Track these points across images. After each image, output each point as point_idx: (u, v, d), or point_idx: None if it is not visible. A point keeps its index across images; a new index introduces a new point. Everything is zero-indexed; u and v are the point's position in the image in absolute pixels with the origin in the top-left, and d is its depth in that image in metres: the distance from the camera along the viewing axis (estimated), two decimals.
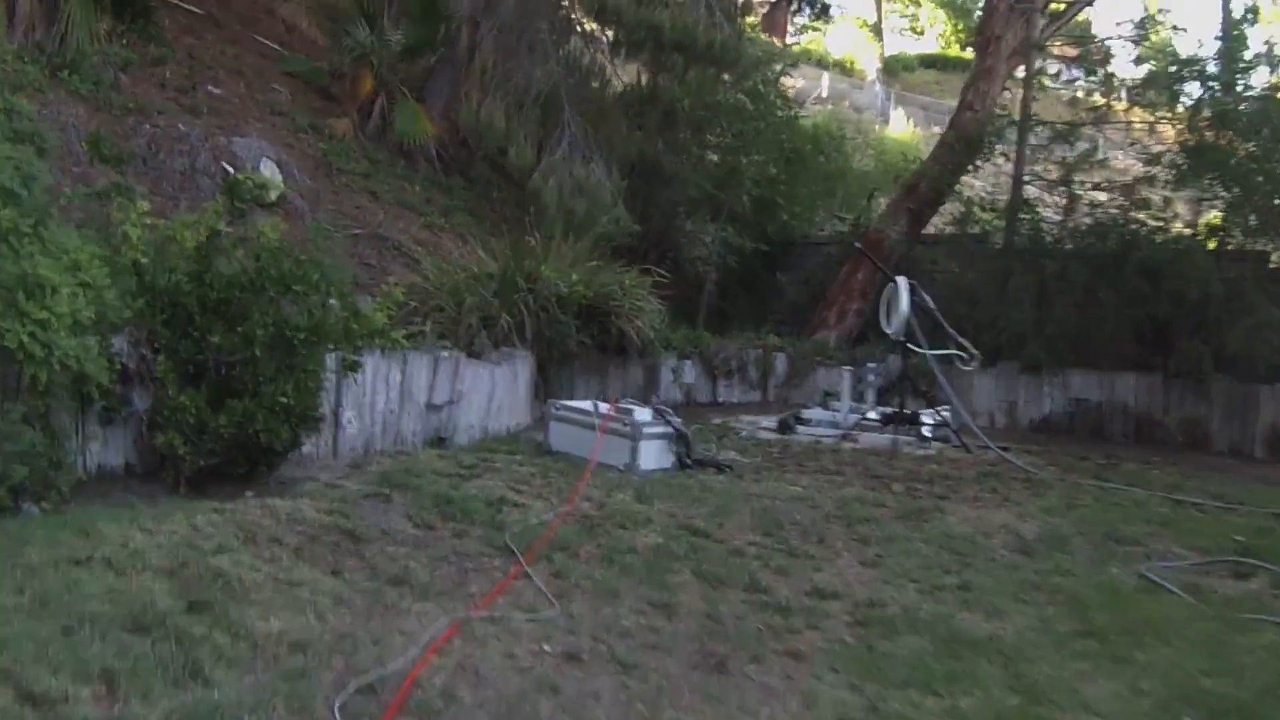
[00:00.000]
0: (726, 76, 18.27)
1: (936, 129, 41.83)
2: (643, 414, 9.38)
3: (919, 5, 59.68)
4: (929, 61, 53.05)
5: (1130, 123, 16.69)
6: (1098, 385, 14.82)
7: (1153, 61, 18.81)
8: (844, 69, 48.52)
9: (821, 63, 45.20)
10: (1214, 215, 15.52)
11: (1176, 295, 13.95)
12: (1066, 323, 14.97)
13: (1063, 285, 15.07)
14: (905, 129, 38.60)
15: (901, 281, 11.70)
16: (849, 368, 13.02)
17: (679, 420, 9.62)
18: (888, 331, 11.95)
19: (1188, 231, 15.28)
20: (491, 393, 10.36)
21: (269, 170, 12.40)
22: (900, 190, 18.32)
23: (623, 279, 12.70)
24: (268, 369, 7.16)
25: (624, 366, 13.66)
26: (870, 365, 13.54)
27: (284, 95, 15.73)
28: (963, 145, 16.90)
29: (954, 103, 46.20)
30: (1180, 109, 15.61)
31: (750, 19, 22.01)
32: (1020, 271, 15.64)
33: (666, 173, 17.68)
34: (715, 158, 19.00)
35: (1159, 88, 15.62)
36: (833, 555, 6.91)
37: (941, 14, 58.73)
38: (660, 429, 9.34)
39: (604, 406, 9.61)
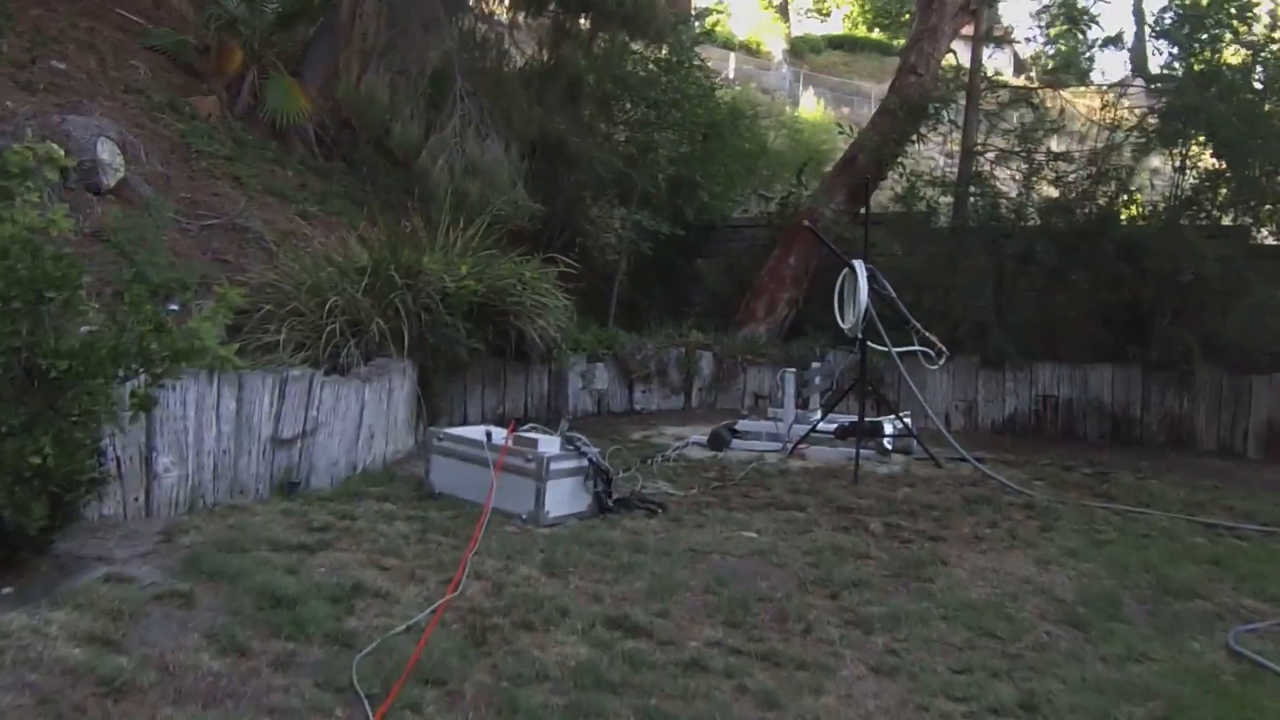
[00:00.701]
0: (637, 47, 16.28)
1: (846, 110, 40.73)
2: (549, 445, 7.28)
3: None
4: (836, 43, 52.22)
5: (1096, 87, 14.87)
6: (1068, 380, 13.09)
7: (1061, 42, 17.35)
8: (750, 51, 47.06)
9: (727, 44, 43.51)
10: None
11: (1160, 276, 12.28)
12: (1032, 310, 13.25)
13: (1026, 267, 13.34)
14: (816, 109, 37.25)
15: (859, 266, 9.76)
16: (790, 369, 11.04)
17: (595, 451, 7.49)
18: (843, 326, 10.00)
19: (1156, 204, 13.52)
20: (360, 418, 8.20)
21: (107, 152, 10.13)
22: (836, 164, 16.31)
23: (522, 271, 10.60)
24: (12, 417, 4.96)
25: (526, 374, 11.59)
26: (815, 365, 11.58)
27: (142, 71, 13.42)
28: (906, 112, 14.98)
29: (864, 84, 45.83)
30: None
31: None
32: (976, 253, 13.84)
33: (571, 152, 15.63)
34: (624, 135, 16.95)
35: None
36: (830, 656, 4.87)
37: None
38: (572, 464, 7.25)
39: (500, 434, 7.52)
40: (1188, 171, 13.00)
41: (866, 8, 57.61)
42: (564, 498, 7.07)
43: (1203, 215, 12.99)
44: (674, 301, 16.67)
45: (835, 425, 10.43)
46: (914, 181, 14.90)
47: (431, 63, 14.40)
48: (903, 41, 53.21)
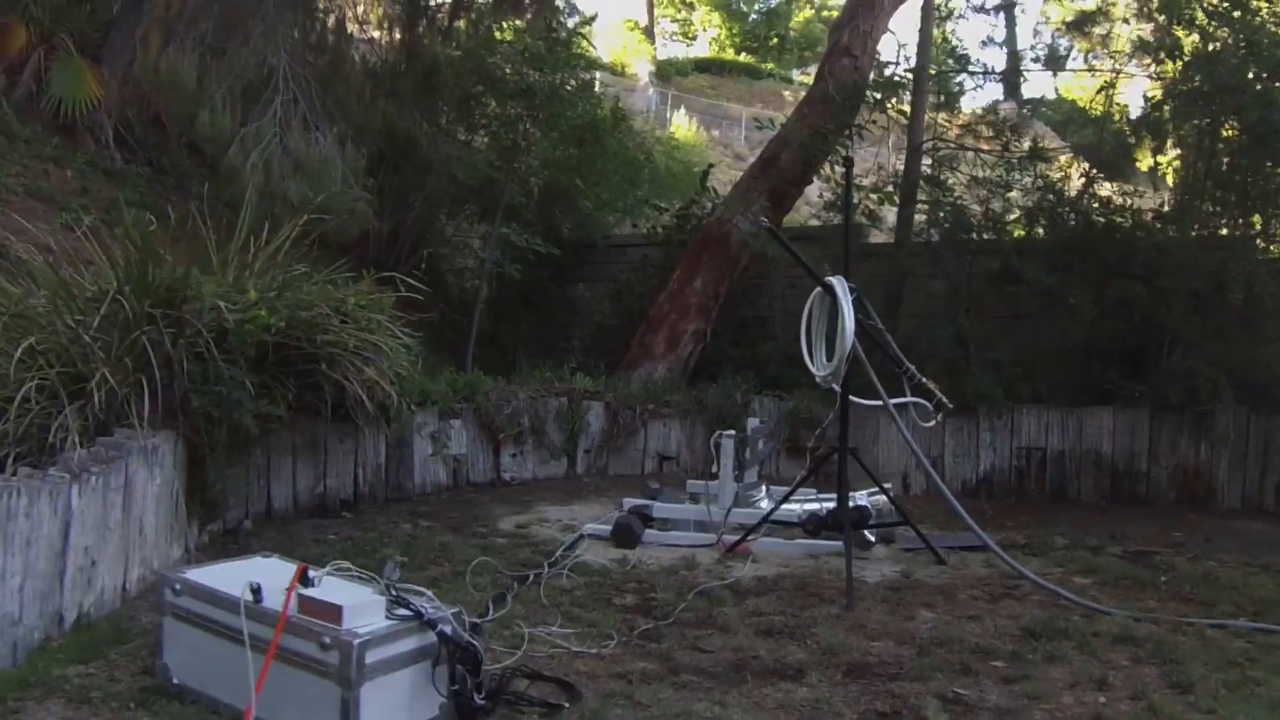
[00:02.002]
0: (506, 34, 13.28)
1: (716, 132, 38.56)
2: (362, 605, 3.90)
3: (691, 9, 56.77)
4: (703, 66, 50.63)
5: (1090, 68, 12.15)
6: (1059, 427, 10.29)
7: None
8: (615, 72, 44.53)
9: (592, 65, 40.91)
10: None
11: (1175, 296, 9.59)
12: (1012, 342, 10.46)
13: (1004, 290, 10.57)
14: (689, 130, 34.84)
15: (839, 286, 6.74)
16: (728, 433, 7.94)
17: (449, 613, 4.08)
18: (816, 371, 6.98)
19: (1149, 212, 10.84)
20: (64, 540, 4.94)
21: None
22: (753, 165, 13.31)
23: (342, 298, 7.42)
24: None
25: (356, 439, 8.40)
26: (755, 423, 8.53)
27: None
28: (841, 100, 12.07)
29: (732, 107, 43.60)
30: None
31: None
32: (936, 272, 11.03)
33: (425, 154, 12.53)
34: (488, 139, 13.82)
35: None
36: None
37: (715, 17, 56.03)
38: (408, 643, 3.90)
39: (277, 581, 4.20)
40: (1208, 169, 10.28)
41: (733, 31, 55.81)
42: (394, 707, 3.81)
43: (1226, 221, 10.32)
44: (548, 337, 13.66)
45: (803, 514, 7.45)
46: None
47: (253, 39, 11.40)
48: (773, 66, 51.71)
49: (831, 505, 7.67)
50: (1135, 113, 10.94)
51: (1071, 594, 6.29)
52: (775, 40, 55.84)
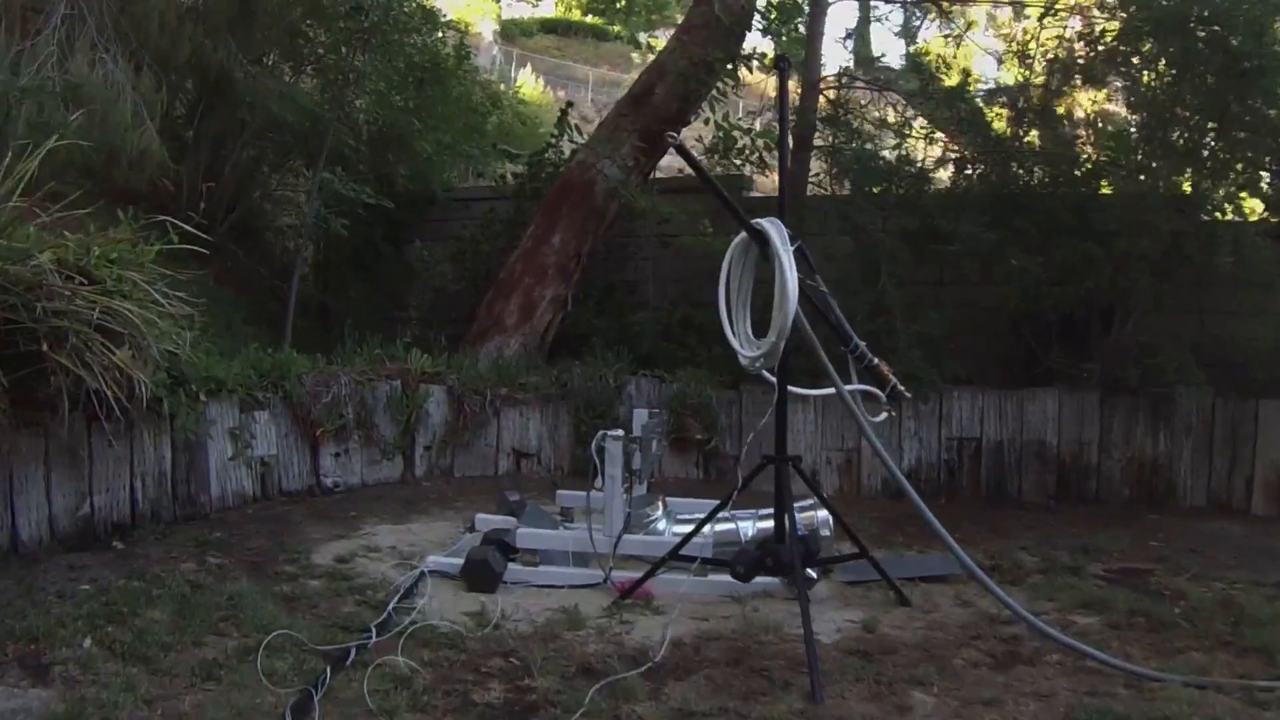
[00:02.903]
0: None
1: (563, 92, 36.66)
2: None
3: None
4: (549, 26, 48.77)
5: None
6: (996, 413, 8.69)
7: None
8: (458, 30, 42.19)
9: (430, 16, 38.67)
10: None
11: (1131, 260, 8.09)
12: (935, 316, 8.79)
13: (922, 254, 8.91)
14: (535, 89, 32.97)
15: (775, 233, 4.83)
16: (614, 433, 5.94)
17: None
18: (742, 352, 5.08)
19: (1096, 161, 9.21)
20: None
21: None
22: (622, 100, 11.27)
23: (81, 248, 5.31)
24: None
25: (130, 442, 6.28)
26: (645, 416, 6.57)
27: None
28: (729, 24, 10.15)
29: (579, 68, 41.67)
30: None
31: None
32: (839, 231, 9.30)
33: (240, 91, 10.32)
34: (315, 78, 11.65)
35: None
36: None
37: None
38: None
39: None
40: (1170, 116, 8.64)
41: None
42: None
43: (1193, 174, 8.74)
44: (382, 305, 11.62)
45: (716, 540, 5.64)
46: (730, 129, 10.24)
47: None
48: (620, 29, 49.88)
49: (757, 528, 5.91)
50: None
51: (1101, 652, 4.57)
52: (623, 3, 53.91)
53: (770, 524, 5.93)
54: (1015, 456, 8.68)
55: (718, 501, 6.72)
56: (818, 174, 10.34)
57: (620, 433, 5.76)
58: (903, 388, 5.64)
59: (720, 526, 5.93)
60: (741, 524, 6.04)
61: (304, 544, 6.22)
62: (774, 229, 4.83)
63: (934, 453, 8.76)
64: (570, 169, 10.44)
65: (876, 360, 5.42)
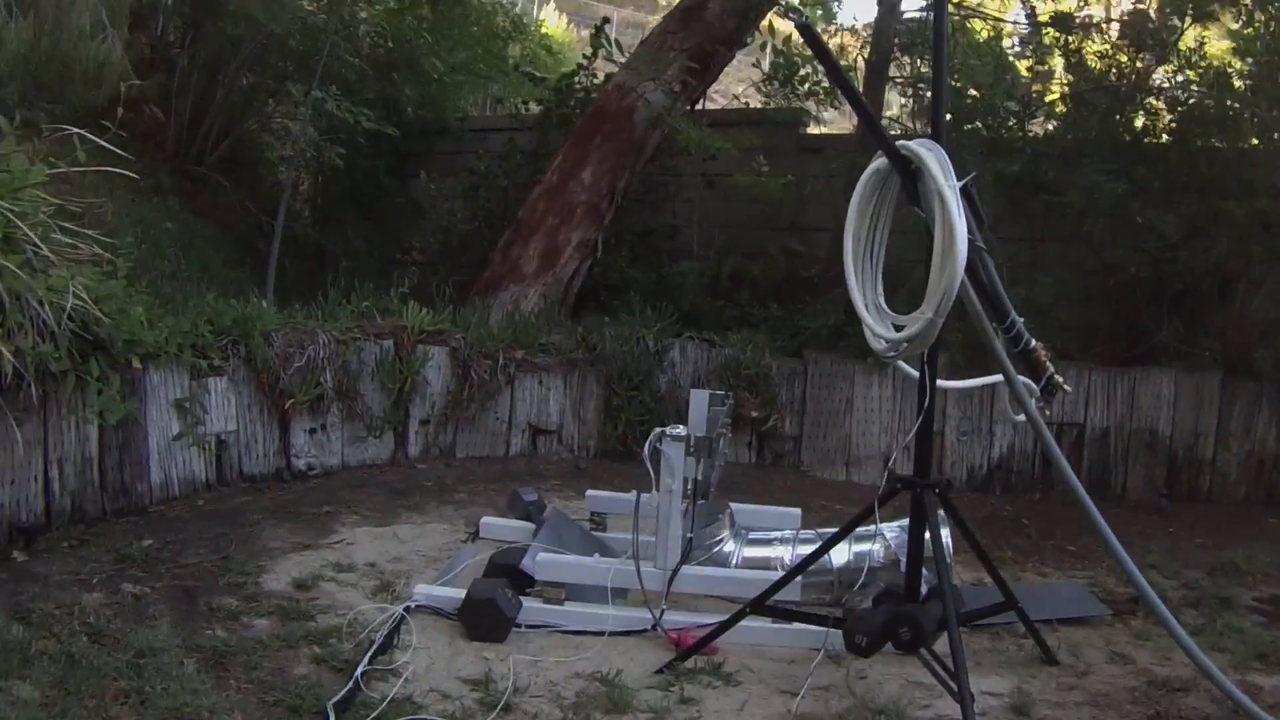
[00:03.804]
0: None
1: (586, 33, 34.90)
2: None
3: None
4: None
5: None
6: (1103, 396, 7.26)
7: None
8: None
9: None
10: None
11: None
12: (1051, 280, 7.33)
13: (1017, 207, 7.56)
14: (558, 27, 31.28)
15: (933, 162, 3.28)
16: (673, 431, 4.41)
17: None
18: (884, 336, 3.54)
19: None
20: None
21: None
22: (669, 14, 9.34)
23: None
24: None
25: (38, 423, 4.82)
26: (706, 401, 5.04)
27: None
28: None
29: (604, 8, 39.85)
30: None
31: None
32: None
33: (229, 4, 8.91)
34: None
35: None
36: None
37: None
38: None
39: None
40: None
41: None
42: None
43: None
44: (384, 247, 10.16)
45: (822, 582, 4.24)
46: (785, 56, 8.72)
47: None
48: None
49: (853, 552, 4.49)
50: None
51: None
52: None
53: (868, 547, 4.52)
54: (1123, 446, 7.25)
55: (791, 510, 5.37)
56: (899, 112, 8.82)
57: (682, 430, 4.26)
58: (1060, 378, 4.14)
59: (805, 548, 4.51)
60: (860, 545, 4.63)
61: (256, 558, 4.77)
62: (932, 156, 3.31)
63: (1030, 439, 7.32)
64: (606, 93, 8.86)
65: (1035, 343, 3.92)
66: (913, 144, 3.39)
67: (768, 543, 4.74)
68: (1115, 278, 7.39)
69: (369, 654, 3.76)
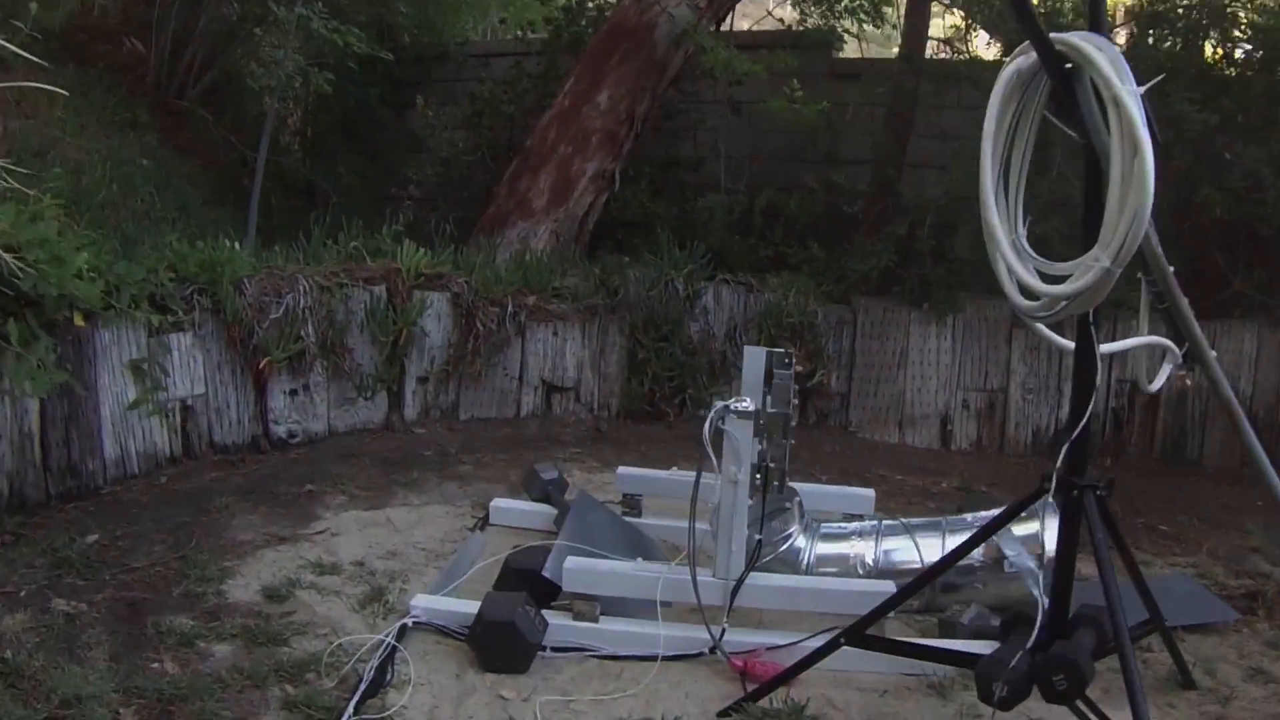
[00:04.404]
0: None
1: None
2: None
3: None
4: None
5: None
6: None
7: None
8: None
9: None
10: None
11: None
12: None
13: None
14: None
15: (1104, 61, 2.40)
16: (743, 404, 3.45)
17: None
18: (1027, 284, 2.67)
19: None
20: None
21: None
22: None
23: None
24: None
25: None
26: (773, 357, 4.16)
27: None
28: None
29: None
30: None
31: None
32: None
33: None
34: None
35: None
36: None
37: None
38: None
39: None
40: None
41: None
42: None
43: None
44: (379, 182, 9.27)
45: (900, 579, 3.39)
46: None
47: None
48: None
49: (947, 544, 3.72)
50: None
51: None
52: None
53: (961, 539, 3.70)
54: (1201, 408, 6.45)
55: (863, 491, 4.56)
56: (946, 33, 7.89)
57: (749, 404, 3.40)
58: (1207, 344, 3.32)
59: (891, 543, 3.73)
60: (924, 540, 3.82)
61: (221, 556, 3.93)
62: (1101, 53, 2.43)
63: (1099, 399, 6.47)
64: (624, 7, 7.91)
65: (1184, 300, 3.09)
66: (1072, 37, 2.51)
67: (844, 537, 3.92)
68: (1191, 220, 6.53)
69: (356, 697, 2.95)
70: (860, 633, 3.08)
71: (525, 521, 4.42)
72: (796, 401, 3.69)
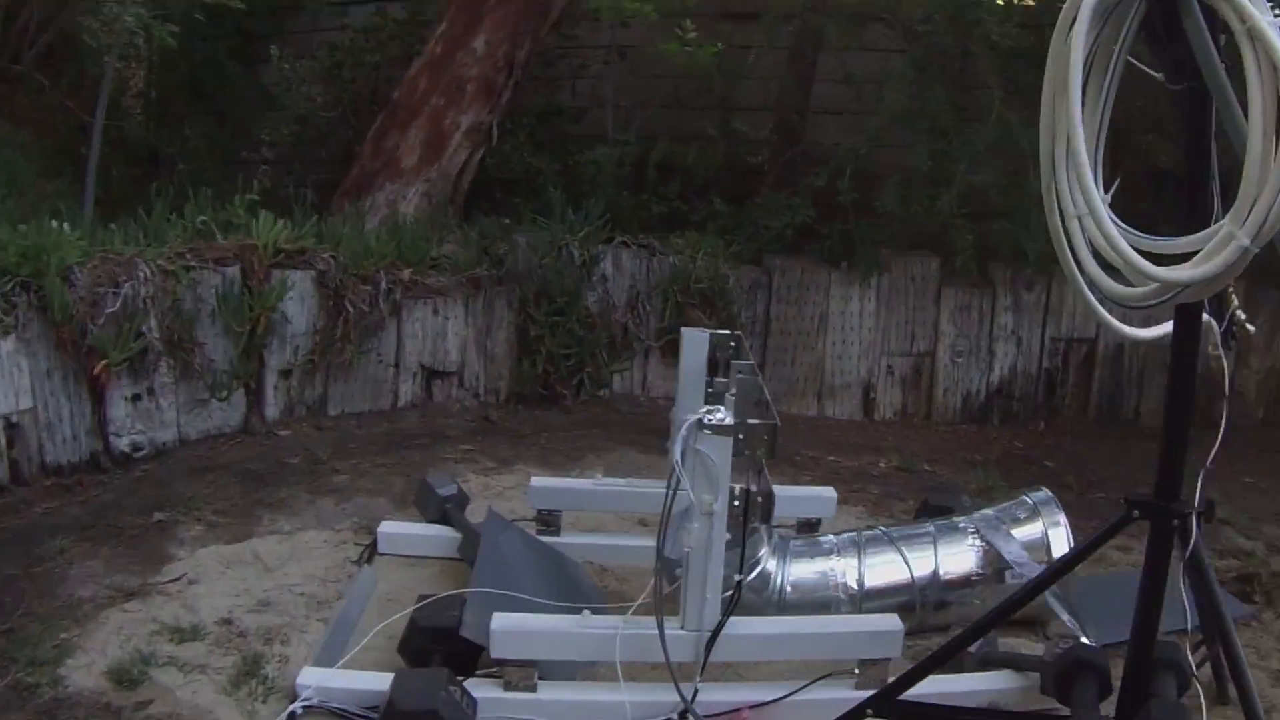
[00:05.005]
0: None
1: None
2: None
3: None
4: None
5: None
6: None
7: None
8: None
9: None
10: None
11: None
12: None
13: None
14: None
15: None
16: (714, 413, 2.68)
17: None
18: (1131, 262, 2.07)
19: None
20: None
21: None
22: None
23: None
24: None
25: None
26: (716, 339, 3.49)
27: None
28: None
29: None
30: None
31: None
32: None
33: None
34: None
35: None
36: None
37: None
38: None
39: None
40: None
41: None
42: None
43: None
44: (230, 145, 8.35)
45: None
46: None
47: None
48: None
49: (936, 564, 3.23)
50: None
51: None
52: None
53: (963, 549, 3.20)
54: (1138, 366, 6.17)
55: (822, 491, 4.02)
56: None
57: (727, 418, 2.75)
58: (1244, 315, 2.81)
59: (876, 559, 3.22)
60: (914, 554, 3.31)
61: (57, 624, 3.16)
62: None
63: (1033, 360, 6.08)
64: None
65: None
66: None
67: (821, 552, 3.34)
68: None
69: None
70: (892, 699, 2.51)
71: (421, 549, 3.74)
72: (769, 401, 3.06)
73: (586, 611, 2.87)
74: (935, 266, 5.96)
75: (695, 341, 3.37)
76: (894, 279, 5.95)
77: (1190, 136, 2.11)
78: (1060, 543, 3.42)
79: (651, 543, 3.77)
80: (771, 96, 7.32)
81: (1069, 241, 2.23)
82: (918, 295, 5.98)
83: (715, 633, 2.75)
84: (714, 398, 3.11)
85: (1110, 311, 2.43)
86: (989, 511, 3.56)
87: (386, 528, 3.80)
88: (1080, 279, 2.24)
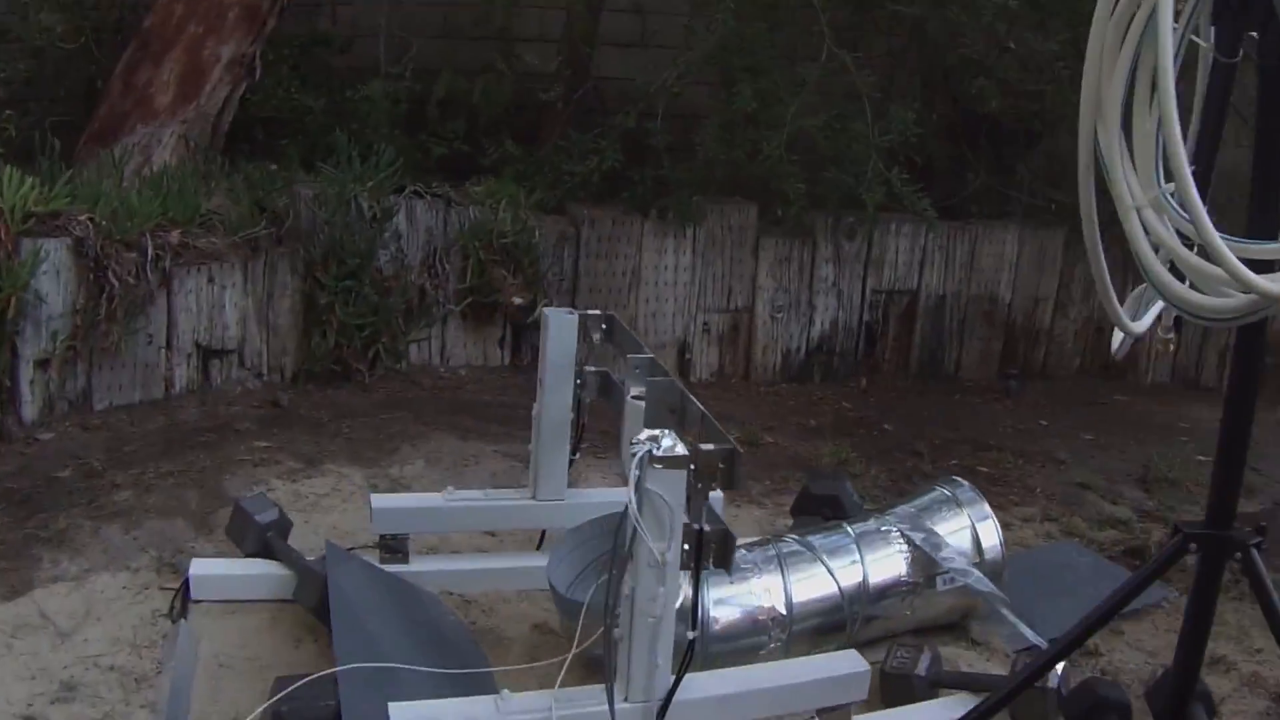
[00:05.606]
0: None
1: None
2: None
3: None
4: None
5: None
6: (941, 257, 6.18)
7: None
8: None
9: None
10: None
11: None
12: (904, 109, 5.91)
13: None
14: None
15: None
16: (667, 445, 2.24)
17: None
18: (1192, 266, 1.68)
19: None
20: None
21: None
22: None
23: None
24: None
25: None
26: (599, 321, 3.07)
27: None
28: None
29: None
30: None
31: None
32: None
33: None
34: None
35: None
36: None
37: None
38: None
39: None
40: None
41: None
42: None
43: None
44: None
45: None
46: None
47: None
48: None
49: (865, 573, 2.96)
50: None
51: None
52: None
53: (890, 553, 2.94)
54: (959, 318, 6.08)
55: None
56: None
57: (679, 446, 2.29)
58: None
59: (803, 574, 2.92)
60: (837, 563, 3.04)
61: None
62: None
63: (854, 313, 5.87)
64: None
65: None
66: None
67: (739, 571, 2.97)
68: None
69: None
70: None
71: (244, 591, 3.19)
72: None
73: (506, 691, 2.40)
74: (753, 214, 5.65)
75: (561, 324, 2.95)
76: (710, 229, 5.61)
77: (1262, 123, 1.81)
78: (990, 537, 3.20)
79: (513, 562, 3.37)
80: (555, 28, 6.83)
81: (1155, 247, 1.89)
82: (735, 247, 5.67)
83: (666, 702, 2.34)
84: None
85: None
86: (908, 508, 3.31)
87: (199, 568, 3.22)
88: (1173, 290, 1.90)
